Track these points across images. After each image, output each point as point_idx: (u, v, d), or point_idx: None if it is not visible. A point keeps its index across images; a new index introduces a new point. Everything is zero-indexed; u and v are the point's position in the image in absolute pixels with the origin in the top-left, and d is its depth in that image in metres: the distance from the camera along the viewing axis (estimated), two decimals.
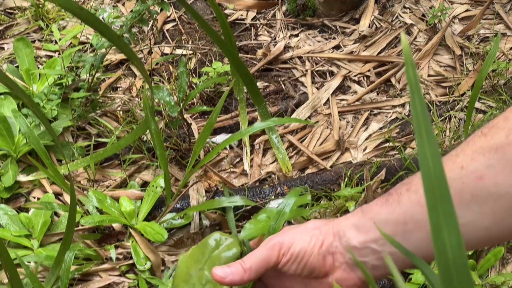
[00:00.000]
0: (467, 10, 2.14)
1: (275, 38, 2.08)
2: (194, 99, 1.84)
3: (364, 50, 2.02)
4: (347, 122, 1.82)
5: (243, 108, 1.78)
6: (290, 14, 2.15)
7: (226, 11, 2.18)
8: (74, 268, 1.41)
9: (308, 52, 2.02)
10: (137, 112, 1.80)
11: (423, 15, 2.12)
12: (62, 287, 1.30)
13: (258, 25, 2.14)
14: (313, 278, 0.84)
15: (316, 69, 1.97)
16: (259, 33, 2.11)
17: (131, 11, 1.66)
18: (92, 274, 1.46)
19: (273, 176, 1.68)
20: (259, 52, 2.01)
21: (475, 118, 1.76)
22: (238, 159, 1.73)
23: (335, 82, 1.92)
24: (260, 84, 1.91)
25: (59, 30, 2.02)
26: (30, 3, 2.13)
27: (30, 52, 1.88)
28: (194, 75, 1.92)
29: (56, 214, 1.56)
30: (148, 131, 1.57)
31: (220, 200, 1.49)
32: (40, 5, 2.11)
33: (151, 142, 1.64)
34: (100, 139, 1.72)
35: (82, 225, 1.48)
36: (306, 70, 1.96)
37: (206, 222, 1.54)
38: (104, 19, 1.84)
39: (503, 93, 1.81)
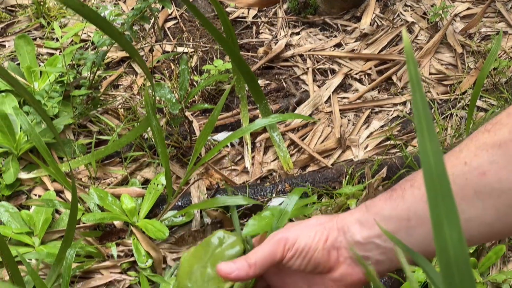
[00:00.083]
0: (468, 8, 2.14)
1: (276, 36, 2.08)
2: (196, 96, 1.84)
3: (365, 48, 2.02)
4: (348, 120, 1.82)
5: (244, 106, 1.78)
6: (291, 12, 2.15)
7: (228, 9, 2.18)
8: (75, 266, 1.41)
9: (309, 50, 2.02)
10: (138, 110, 1.80)
11: (424, 13, 2.12)
12: (63, 285, 1.30)
13: (259, 23, 2.14)
14: (317, 273, 0.84)
15: (317, 67, 1.97)
16: (260, 31, 2.11)
17: (133, 8, 1.65)
18: (93, 271, 1.46)
19: (274, 174, 1.68)
20: (261, 50, 2.01)
21: (476, 116, 1.76)
22: (239, 157, 1.73)
23: (336, 80, 1.92)
24: (261, 82, 1.91)
25: (60, 27, 2.02)
26: (32, 1, 2.13)
27: (31, 49, 1.88)
28: (195, 73, 1.92)
29: (57, 211, 1.56)
30: (149, 128, 1.57)
31: (222, 198, 1.49)
32: (42, 3, 2.11)
33: (153, 139, 1.64)
34: (101, 137, 1.72)
35: (83, 223, 1.48)
36: (307, 68, 1.96)
37: (207, 220, 1.54)
38: (105, 17, 1.83)
39: (505, 91, 1.81)
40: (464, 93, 1.84)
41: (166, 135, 1.69)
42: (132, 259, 1.47)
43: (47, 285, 1.31)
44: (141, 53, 2.00)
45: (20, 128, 1.64)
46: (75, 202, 1.29)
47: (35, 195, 1.60)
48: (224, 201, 1.45)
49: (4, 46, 2.04)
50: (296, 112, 1.82)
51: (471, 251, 1.45)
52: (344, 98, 1.88)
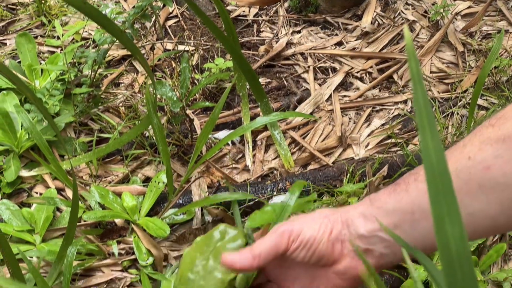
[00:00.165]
0: (469, 7, 2.14)
1: (277, 35, 2.08)
2: (197, 95, 1.84)
3: (366, 47, 2.02)
4: (350, 118, 1.82)
5: (245, 104, 1.78)
6: (292, 10, 2.15)
7: (229, 7, 2.18)
8: (76, 263, 1.41)
9: (310, 49, 2.02)
10: (139, 108, 1.80)
11: (425, 11, 2.12)
12: (64, 282, 1.31)
13: (260, 22, 2.14)
14: (321, 266, 0.84)
15: (319, 65, 1.97)
16: (261, 30, 2.11)
17: (134, 6, 1.65)
18: (94, 269, 1.46)
19: (275, 172, 1.68)
20: (262, 48, 2.01)
21: (477, 115, 1.76)
22: (240, 155, 1.73)
23: (337, 79, 1.92)
24: (262, 80, 1.91)
25: (61, 25, 2.02)
26: None
27: (32, 47, 1.88)
28: (196, 71, 1.92)
29: (58, 209, 1.56)
30: (150, 126, 1.57)
31: (223, 194, 1.49)
32: (43, 1, 2.11)
33: (154, 137, 1.64)
34: (102, 135, 1.72)
35: (85, 220, 1.48)
36: (309, 67, 1.96)
37: (208, 218, 1.54)
38: (106, 15, 1.83)
39: (506, 90, 1.81)
40: (465, 91, 1.84)
41: (167, 133, 1.69)
42: (133, 257, 1.47)
43: (48, 283, 1.31)
44: (142, 51, 2.00)
45: (21, 126, 1.64)
46: (76, 200, 1.29)
47: (36, 193, 1.60)
48: (225, 197, 1.45)
49: (5, 44, 2.04)
50: (297, 110, 1.82)
51: (472, 249, 1.45)
52: (345, 96, 1.88)
